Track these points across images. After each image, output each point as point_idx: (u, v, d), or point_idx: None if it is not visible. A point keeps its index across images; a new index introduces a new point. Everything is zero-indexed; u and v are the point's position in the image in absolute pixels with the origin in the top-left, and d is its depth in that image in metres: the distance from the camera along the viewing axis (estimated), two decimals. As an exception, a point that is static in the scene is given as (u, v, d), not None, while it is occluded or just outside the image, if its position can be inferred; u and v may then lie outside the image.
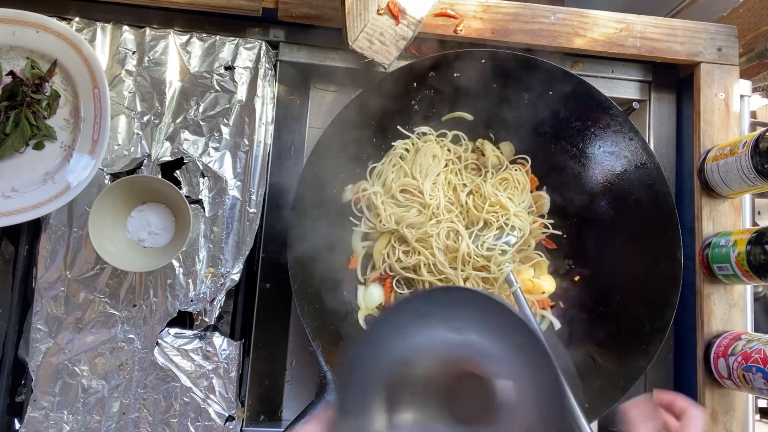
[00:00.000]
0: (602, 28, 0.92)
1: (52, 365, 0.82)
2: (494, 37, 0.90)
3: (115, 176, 0.86)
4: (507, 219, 0.88)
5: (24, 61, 0.84)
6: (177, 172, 0.86)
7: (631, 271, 0.85)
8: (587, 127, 0.87)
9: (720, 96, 0.90)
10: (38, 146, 0.83)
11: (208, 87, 0.89)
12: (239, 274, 0.85)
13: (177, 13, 0.91)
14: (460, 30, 0.90)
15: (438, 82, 0.86)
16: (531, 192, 0.93)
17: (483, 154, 0.93)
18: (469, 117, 0.92)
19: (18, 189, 0.82)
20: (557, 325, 0.90)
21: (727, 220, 0.87)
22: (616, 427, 0.89)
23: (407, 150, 0.91)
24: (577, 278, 0.91)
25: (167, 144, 0.87)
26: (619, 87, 0.96)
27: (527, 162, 0.93)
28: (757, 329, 0.88)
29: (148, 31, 0.89)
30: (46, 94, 0.84)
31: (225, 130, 0.88)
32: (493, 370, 0.51)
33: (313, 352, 0.84)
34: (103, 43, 0.88)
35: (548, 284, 0.91)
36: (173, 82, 0.88)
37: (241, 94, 0.89)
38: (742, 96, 0.91)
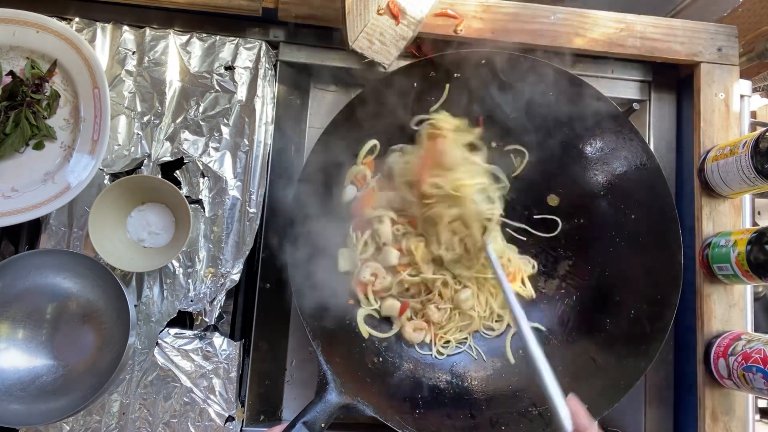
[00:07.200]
0: (602, 28, 0.92)
1: (52, 365, 0.82)
2: (494, 37, 0.90)
3: (115, 176, 0.86)
4: None
5: (24, 61, 0.84)
6: (177, 172, 0.86)
7: (631, 272, 0.85)
8: (587, 127, 0.87)
9: (720, 96, 0.90)
10: (38, 146, 0.83)
11: (208, 87, 0.89)
12: (239, 274, 0.85)
13: (177, 13, 0.91)
14: (460, 30, 0.90)
15: (438, 82, 0.86)
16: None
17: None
18: None
19: (18, 189, 0.82)
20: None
21: (727, 220, 0.87)
22: None
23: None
24: (577, 278, 0.91)
25: (167, 144, 0.87)
26: (619, 87, 0.96)
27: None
28: (757, 329, 0.88)
29: (148, 31, 0.89)
30: (46, 94, 0.84)
31: (225, 130, 0.88)
32: None
33: (313, 352, 0.84)
34: (103, 43, 0.88)
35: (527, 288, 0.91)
36: (173, 82, 0.88)
37: (241, 94, 0.89)
38: (742, 96, 0.91)
